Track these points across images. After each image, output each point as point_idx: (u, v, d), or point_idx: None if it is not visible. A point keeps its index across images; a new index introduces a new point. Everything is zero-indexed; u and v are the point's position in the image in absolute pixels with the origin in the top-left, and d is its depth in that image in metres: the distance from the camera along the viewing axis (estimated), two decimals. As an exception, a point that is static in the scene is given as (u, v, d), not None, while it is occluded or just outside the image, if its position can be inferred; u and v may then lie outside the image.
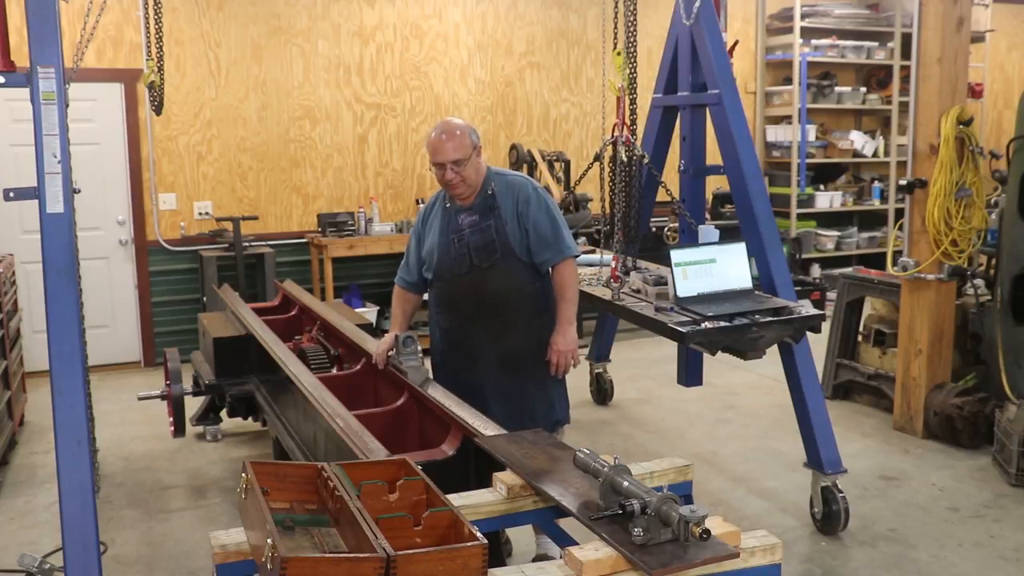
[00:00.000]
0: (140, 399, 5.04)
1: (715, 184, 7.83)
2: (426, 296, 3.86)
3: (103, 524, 4.02)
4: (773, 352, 3.99)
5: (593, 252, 4.97)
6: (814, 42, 8.99)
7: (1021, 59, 10.61)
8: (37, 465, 5.10)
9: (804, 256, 8.90)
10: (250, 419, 4.81)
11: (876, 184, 9.48)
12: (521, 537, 3.83)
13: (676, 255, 3.91)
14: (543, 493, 2.39)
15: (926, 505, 4.35)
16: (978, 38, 9.28)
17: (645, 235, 4.80)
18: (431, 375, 3.63)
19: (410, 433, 3.46)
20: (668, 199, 4.68)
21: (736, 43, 4.85)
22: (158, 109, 4.89)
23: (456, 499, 2.32)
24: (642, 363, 6.90)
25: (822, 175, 9.38)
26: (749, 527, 2.77)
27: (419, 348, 3.60)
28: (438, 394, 3.34)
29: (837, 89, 9.20)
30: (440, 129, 3.52)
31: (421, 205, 7.50)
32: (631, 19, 4.16)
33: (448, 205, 3.65)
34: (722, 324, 3.68)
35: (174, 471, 5.00)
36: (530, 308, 3.65)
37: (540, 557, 3.66)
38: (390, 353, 3.68)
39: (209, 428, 5.41)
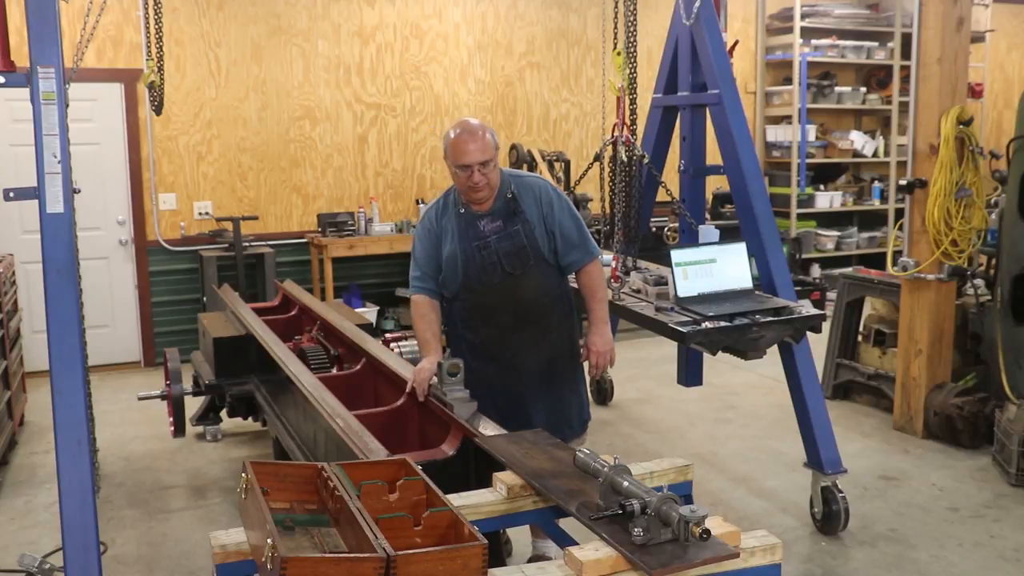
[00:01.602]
0: (140, 399, 5.04)
1: (715, 184, 7.83)
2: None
3: (103, 524, 4.02)
4: (773, 352, 3.99)
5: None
6: (814, 42, 8.99)
7: (1021, 59, 10.61)
8: (37, 465, 5.10)
9: (804, 256, 8.90)
10: (250, 419, 4.81)
11: (876, 184, 9.48)
12: (521, 537, 3.82)
13: (676, 255, 3.92)
14: (543, 493, 2.39)
15: (926, 505, 4.35)
16: (978, 38, 9.27)
17: (645, 235, 4.79)
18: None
19: (410, 433, 3.44)
20: (668, 199, 4.68)
21: (736, 43, 4.85)
22: (158, 109, 4.90)
23: (456, 499, 2.32)
24: (642, 363, 6.90)
25: (822, 175, 9.38)
26: (749, 527, 2.77)
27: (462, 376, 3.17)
28: (490, 431, 2.91)
29: (837, 89, 9.20)
30: (461, 129, 3.29)
31: (422, 206, 7.52)
32: (631, 19, 4.16)
33: (463, 211, 3.40)
34: (722, 324, 3.68)
35: (174, 471, 5.00)
36: (562, 311, 3.55)
37: (536, 558, 3.64)
38: (431, 382, 3.25)
39: (209, 428, 5.41)
